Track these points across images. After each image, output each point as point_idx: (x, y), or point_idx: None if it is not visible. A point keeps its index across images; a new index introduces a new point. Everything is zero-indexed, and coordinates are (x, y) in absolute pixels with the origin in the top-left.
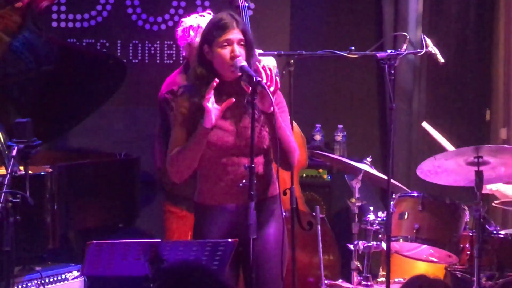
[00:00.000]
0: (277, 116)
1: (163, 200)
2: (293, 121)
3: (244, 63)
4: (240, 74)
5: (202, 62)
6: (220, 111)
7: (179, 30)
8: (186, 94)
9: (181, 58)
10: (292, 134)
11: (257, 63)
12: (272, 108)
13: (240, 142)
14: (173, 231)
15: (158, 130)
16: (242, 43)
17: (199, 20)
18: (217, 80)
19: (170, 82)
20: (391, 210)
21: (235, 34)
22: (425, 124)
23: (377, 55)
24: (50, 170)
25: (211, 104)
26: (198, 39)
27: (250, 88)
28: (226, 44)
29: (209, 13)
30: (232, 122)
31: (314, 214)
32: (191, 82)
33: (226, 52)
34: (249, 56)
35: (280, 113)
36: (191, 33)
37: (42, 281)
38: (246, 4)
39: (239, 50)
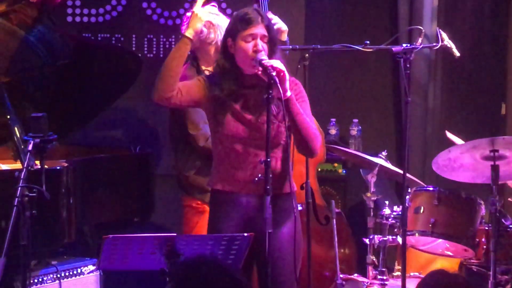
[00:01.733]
0: (293, 102)
1: (182, 195)
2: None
3: (265, 57)
4: (260, 69)
5: (225, 55)
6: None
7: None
8: (209, 81)
9: None
10: (312, 122)
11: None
12: (286, 95)
13: (256, 135)
14: (192, 225)
15: (169, 127)
16: (266, 39)
17: None
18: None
19: (181, 77)
20: (406, 204)
21: (259, 29)
22: (449, 134)
23: (393, 49)
24: (66, 164)
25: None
26: (211, 34)
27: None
28: (249, 38)
29: (214, 5)
30: (251, 114)
31: (330, 208)
32: (212, 73)
33: (249, 46)
34: (272, 52)
35: (300, 102)
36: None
37: (58, 275)
38: None
39: (262, 45)
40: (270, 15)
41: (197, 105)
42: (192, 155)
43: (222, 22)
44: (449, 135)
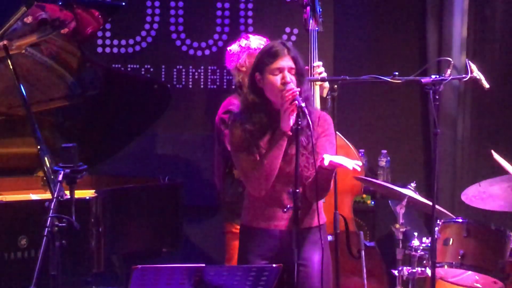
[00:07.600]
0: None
1: (224, 221)
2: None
3: (295, 88)
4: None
5: (253, 89)
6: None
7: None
8: (237, 121)
9: (224, 83)
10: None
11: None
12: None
13: (288, 169)
14: (235, 251)
15: (216, 151)
16: (293, 71)
17: (243, 42)
18: None
19: (227, 103)
20: (435, 236)
21: (286, 62)
22: (494, 154)
23: (422, 80)
24: (95, 194)
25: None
26: (246, 62)
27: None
28: (277, 71)
29: (249, 36)
30: None
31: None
32: (240, 110)
33: (277, 79)
34: (300, 83)
35: (322, 137)
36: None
37: None
38: (317, 28)
39: (290, 77)
40: (317, 62)
41: None
42: (235, 182)
43: (249, 43)
44: (496, 156)
